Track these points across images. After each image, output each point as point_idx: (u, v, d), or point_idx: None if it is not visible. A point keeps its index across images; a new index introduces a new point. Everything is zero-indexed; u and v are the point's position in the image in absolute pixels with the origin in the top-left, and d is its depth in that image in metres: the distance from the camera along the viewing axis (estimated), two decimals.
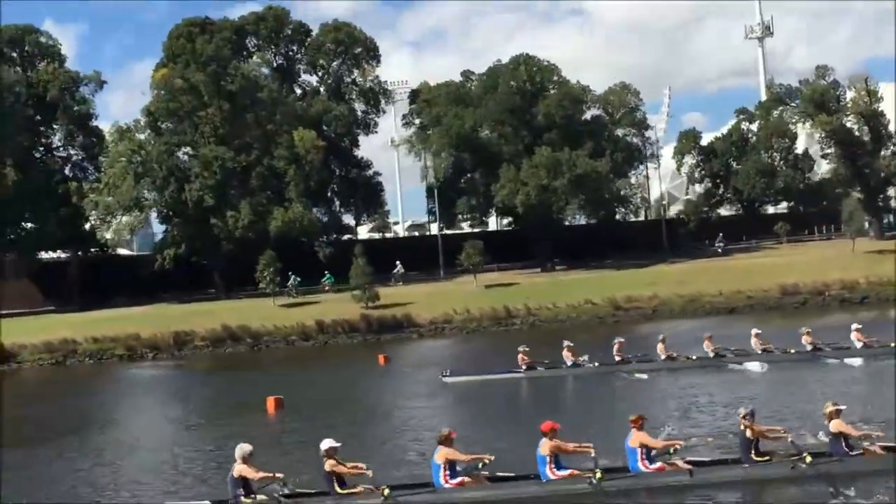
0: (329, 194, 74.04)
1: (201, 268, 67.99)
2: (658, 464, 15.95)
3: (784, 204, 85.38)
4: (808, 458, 15.56)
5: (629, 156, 72.74)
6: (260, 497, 15.38)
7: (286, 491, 15.49)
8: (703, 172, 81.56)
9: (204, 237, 65.52)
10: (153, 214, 71.07)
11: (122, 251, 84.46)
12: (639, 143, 74.25)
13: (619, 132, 72.89)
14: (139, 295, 66.14)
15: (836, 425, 16.03)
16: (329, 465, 15.54)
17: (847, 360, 30.53)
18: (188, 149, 67.67)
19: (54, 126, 76.71)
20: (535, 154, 65.84)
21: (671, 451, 16.17)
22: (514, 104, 68.45)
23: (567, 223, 73.77)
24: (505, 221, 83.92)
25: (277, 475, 15.51)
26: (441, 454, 15.75)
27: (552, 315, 56.06)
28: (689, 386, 28.16)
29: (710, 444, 17.91)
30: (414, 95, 78.80)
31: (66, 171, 76.34)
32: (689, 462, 16.06)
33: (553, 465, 15.77)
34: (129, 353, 54.73)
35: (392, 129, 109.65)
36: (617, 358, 32.48)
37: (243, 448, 15.58)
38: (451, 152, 68.87)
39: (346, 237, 73.85)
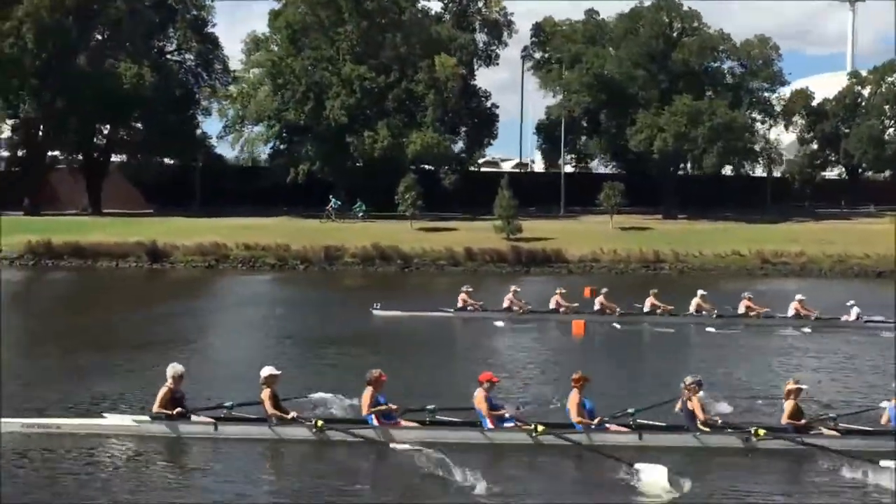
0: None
1: (327, 185, 68.15)
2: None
3: (888, 172, 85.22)
4: (761, 432, 15.26)
5: (763, 109, 72.61)
6: (197, 418, 15.67)
7: (223, 414, 15.82)
8: (811, 134, 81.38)
9: (339, 155, 65.62)
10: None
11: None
12: (770, 97, 73.98)
13: (753, 85, 72.57)
14: (258, 206, 66.51)
15: (790, 406, 15.67)
16: (264, 393, 15.48)
17: None
18: (327, 65, 67.17)
19: (171, 30, 76.47)
20: (674, 101, 65.79)
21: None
22: (653, 48, 68.18)
23: (681, 172, 73.83)
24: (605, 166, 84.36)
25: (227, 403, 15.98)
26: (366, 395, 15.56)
27: (699, 263, 56.46)
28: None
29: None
30: (537, 30, 78.33)
31: (181, 77, 76.30)
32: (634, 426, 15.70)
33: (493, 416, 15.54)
34: (279, 262, 55.25)
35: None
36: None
37: (175, 368, 15.67)
38: (585, 92, 68.61)
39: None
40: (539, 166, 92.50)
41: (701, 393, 15.93)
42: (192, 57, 77.48)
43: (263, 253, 55.46)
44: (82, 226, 60.73)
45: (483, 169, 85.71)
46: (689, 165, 70.12)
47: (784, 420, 15.57)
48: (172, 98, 71.54)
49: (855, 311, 31.72)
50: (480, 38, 77.37)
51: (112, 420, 15.71)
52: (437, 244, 57.50)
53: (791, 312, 32.15)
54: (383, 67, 67.21)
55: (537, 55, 78.52)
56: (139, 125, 74.02)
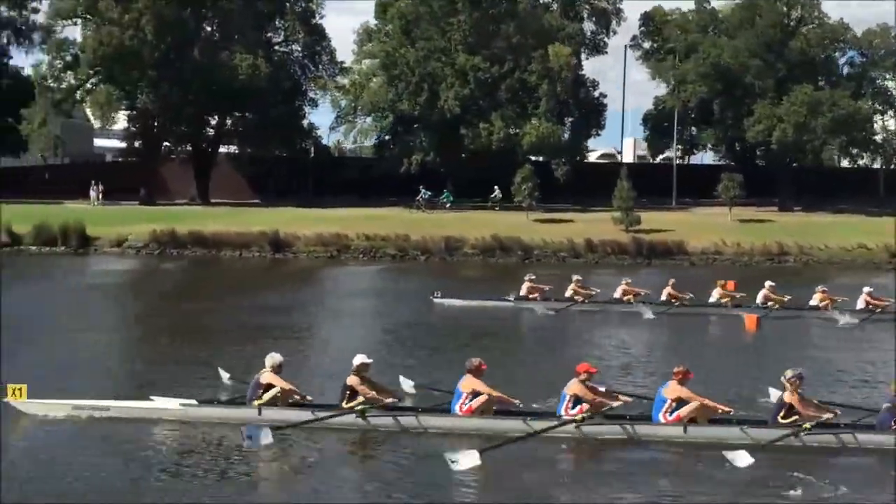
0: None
1: (437, 176, 68.20)
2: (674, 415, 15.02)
3: None
4: (807, 426, 14.54)
5: (885, 100, 70.96)
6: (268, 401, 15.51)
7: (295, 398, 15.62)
8: None
9: (451, 146, 65.60)
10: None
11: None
12: (892, 88, 72.28)
13: (873, 74, 70.95)
14: (368, 197, 66.78)
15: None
16: (353, 380, 15.35)
17: None
18: (440, 55, 67.08)
19: (277, 22, 77.01)
20: (793, 91, 64.53)
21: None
22: (771, 37, 66.91)
23: (795, 164, 72.32)
24: (714, 157, 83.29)
25: (308, 397, 15.71)
26: (467, 384, 15.33)
27: (825, 256, 55.33)
28: None
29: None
30: (646, 19, 77.43)
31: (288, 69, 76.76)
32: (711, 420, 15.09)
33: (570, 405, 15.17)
34: (400, 253, 55.35)
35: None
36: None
37: (274, 357, 15.66)
38: (700, 82, 67.55)
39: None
40: (628, 156, 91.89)
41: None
42: (298, 48, 78.04)
43: (384, 243, 55.55)
44: (199, 215, 61.42)
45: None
46: (807, 157, 68.48)
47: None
48: (281, 89, 72.14)
49: None
50: (587, 26, 76.87)
51: (158, 403, 15.81)
52: (555, 235, 57.16)
53: (860, 305, 31.18)
54: (496, 58, 66.93)
55: (646, 45, 77.67)
56: (248, 115, 74.82)
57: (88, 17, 68.88)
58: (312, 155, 73.59)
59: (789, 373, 15.05)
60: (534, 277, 33.72)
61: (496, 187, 66.63)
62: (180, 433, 15.13)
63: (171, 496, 12.42)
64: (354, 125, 70.31)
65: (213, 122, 76.35)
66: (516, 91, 66.44)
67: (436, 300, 32.94)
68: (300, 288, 41.78)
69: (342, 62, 77.13)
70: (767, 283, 32.48)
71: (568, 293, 32.72)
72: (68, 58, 68.43)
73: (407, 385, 17.77)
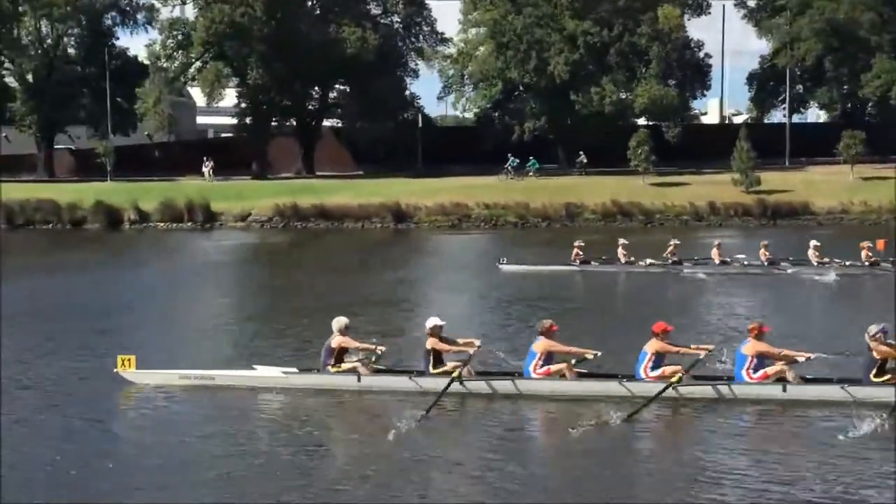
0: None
1: (547, 143, 68.06)
2: (760, 373, 14.71)
3: None
4: None
5: None
6: (346, 366, 15.69)
7: (375, 365, 15.77)
8: None
9: (562, 112, 65.39)
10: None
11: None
12: None
13: None
14: (478, 165, 66.73)
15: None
16: (430, 342, 15.40)
17: None
18: (548, 21, 66.70)
19: None
20: None
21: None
22: None
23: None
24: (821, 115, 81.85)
25: (380, 347, 15.77)
26: (540, 345, 15.26)
27: None
28: None
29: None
30: None
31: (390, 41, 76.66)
32: (802, 377, 14.70)
33: (650, 365, 15.00)
34: (521, 220, 55.49)
35: None
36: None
37: (340, 321, 15.74)
38: (814, 39, 66.19)
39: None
40: (713, 117, 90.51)
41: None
42: (398, 19, 78.15)
43: (503, 212, 55.81)
44: (316, 188, 62.10)
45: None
46: None
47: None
48: (385, 61, 72.34)
49: None
50: None
51: (261, 372, 16.06)
52: (675, 199, 56.82)
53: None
54: (603, 22, 66.40)
55: (751, 3, 76.46)
56: (353, 88, 75.27)
57: None
58: (420, 126, 73.49)
59: (873, 328, 14.54)
60: (582, 244, 33.60)
61: (581, 153, 66.41)
62: (282, 400, 15.36)
63: (267, 464, 12.32)
64: (462, 94, 70.19)
65: (317, 96, 76.95)
66: (626, 55, 65.87)
67: (502, 266, 33.19)
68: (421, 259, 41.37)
69: (442, 33, 77.16)
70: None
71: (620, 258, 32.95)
72: (180, 37, 69.31)
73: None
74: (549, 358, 15.31)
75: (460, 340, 15.93)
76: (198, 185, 63.80)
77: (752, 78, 77.77)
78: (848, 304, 26.50)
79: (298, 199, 57.58)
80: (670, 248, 33.16)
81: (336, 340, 15.78)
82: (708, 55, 74.90)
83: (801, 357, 14.87)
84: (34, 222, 56.73)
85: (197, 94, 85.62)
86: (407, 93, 77.21)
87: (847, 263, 31.14)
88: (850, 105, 69.27)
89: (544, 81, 65.43)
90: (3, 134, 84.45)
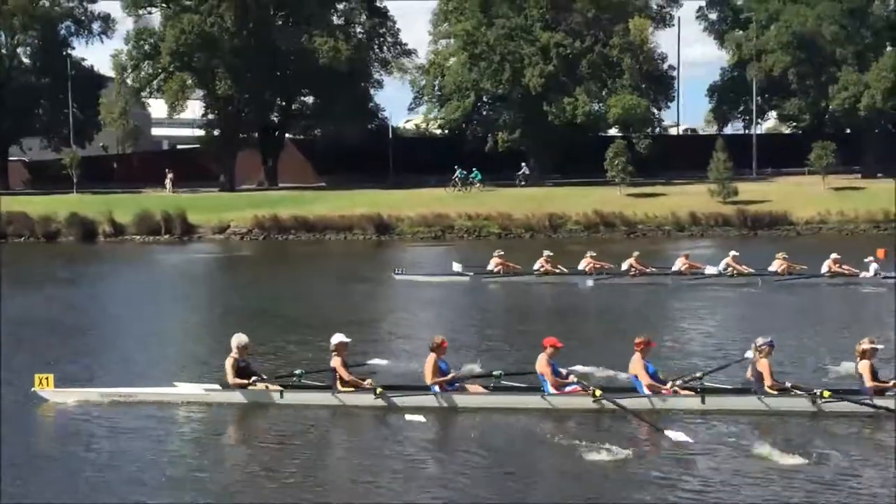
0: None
1: (516, 154, 68.19)
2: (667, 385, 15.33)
3: None
4: (826, 394, 14.72)
5: None
6: (261, 386, 15.86)
7: (293, 381, 16.18)
8: None
9: (535, 123, 65.57)
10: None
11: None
12: None
13: None
14: (446, 176, 66.64)
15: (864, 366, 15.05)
16: (335, 361, 15.63)
17: None
18: (519, 33, 66.88)
19: (337, 6, 76.44)
20: (882, 56, 64.55)
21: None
22: (855, 3, 66.68)
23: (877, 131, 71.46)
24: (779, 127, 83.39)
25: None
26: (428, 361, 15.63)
27: None
28: None
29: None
30: None
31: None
32: (699, 389, 15.32)
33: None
34: (503, 231, 55.45)
35: None
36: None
37: (240, 339, 15.94)
38: (781, 51, 67.26)
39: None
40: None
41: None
42: (361, 30, 77.74)
43: (487, 223, 55.72)
44: (291, 200, 61.51)
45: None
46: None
47: (868, 383, 14.95)
48: (351, 71, 71.87)
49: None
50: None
51: (182, 389, 16.08)
52: (653, 209, 57.25)
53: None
54: (573, 33, 66.82)
55: (712, 16, 77.63)
56: (318, 99, 74.72)
57: (165, 5, 68.64)
58: (391, 136, 73.24)
59: (760, 340, 15.23)
60: (502, 253, 34.26)
61: (523, 164, 66.95)
62: (202, 417, 15.37)
63: (179, 480, 12.47)
64: (434, 105, 69.97)
65: (281, 107, 76.19)
66: (598, 66, 66.28)
67: (396, 276, 33.72)
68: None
69: (406, 44, 77.05)
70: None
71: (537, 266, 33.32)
72: (146, 47, 68.08)
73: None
74: (439, 373, 15.45)
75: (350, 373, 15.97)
76: (172, 198, 62.93)
77: (712, 89, 78.90)
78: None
79: (277, 210, 56.85)
80: (587, 261, 33.38)
81: (231, 356, 15.93)
82: (672, 67, 75.96)
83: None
84: (6, 235, 55.14)
85: (154, 106, 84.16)
86: (371, 104, 76.94)
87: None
88: (813, 116, 70.44)
89: (517, 92, 65.58)
90: None
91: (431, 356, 15.54)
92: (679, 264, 33.07)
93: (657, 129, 72.18)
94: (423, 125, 77.19)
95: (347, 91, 70.44)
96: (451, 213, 56.08)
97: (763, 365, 14.97)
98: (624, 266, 33.05)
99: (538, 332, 20.16)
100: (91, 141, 79.69)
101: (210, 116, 71.63)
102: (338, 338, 15.69)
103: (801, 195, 59.61)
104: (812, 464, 12.55)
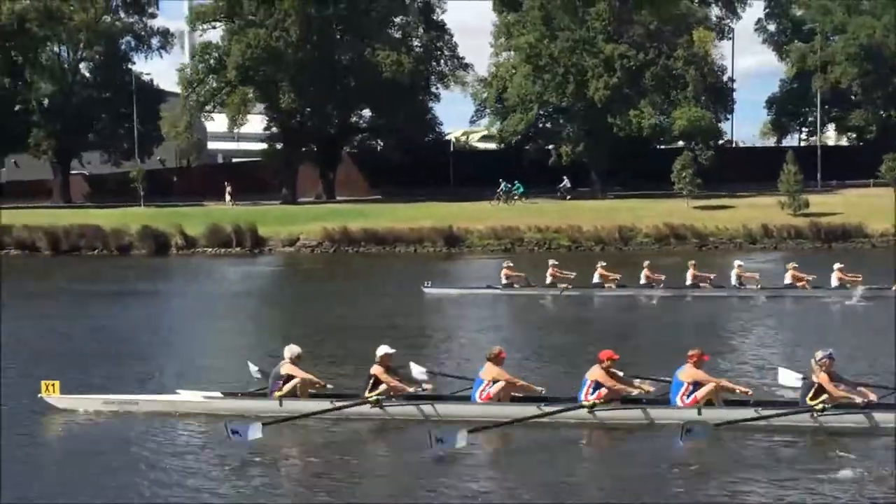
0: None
1: (579, 166, 68.23)
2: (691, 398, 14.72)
3: None
4: (820, 406, 14.20)
5: None
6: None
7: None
8: None
9: (599, 135, 65.54)
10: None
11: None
12: None
13: None
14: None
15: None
16: (376, 369, 15.39)
17: None
18: (582, 45, 66.88)
19: (393, 19, 76.74)
20: None
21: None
22: None
23: None
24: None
25: (325, 384, 15.75)
26: (487, 372, 15.27)
27: None
28: None
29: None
30: (773, 1, 77.08)
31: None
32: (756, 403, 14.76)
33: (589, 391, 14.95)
34: (573, 244, 55.32)
35: None
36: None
37: (292, 349, 15.75)
38: (849, 63, 66.94)
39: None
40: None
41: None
42: (419, 44, 78.08)
43: (556, 235, 55.57)
44: (357, 212, 61.68)
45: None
46: None
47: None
48: (411, 84, 72.17)
49: None
50: (713, 11, 76.50)
51: (184, 396, 16.16)
52: (724, 222, 56.89)
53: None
54: (636, 45, 66.76)
55: (771, 27, 77.45)
56: (377, 112, 75.14)
57: (228, 19, 69.25)
58: (453, 150, 73.45)
59: (819, 354, 14.62)
60: (511, 265, 34.34)
61: (564, 177, 67.07)
62: (201, 425, 15.35)
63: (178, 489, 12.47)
64: (496, 118, 70.14)
65: (337, 120, 76.53)
66: (661, 78, 66.13)
67: (426, 290, 33.31)
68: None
69: (463, 57, 77.39)
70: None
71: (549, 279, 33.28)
72: (212, 62, 68.66)
73: (417, 371, 17.37)
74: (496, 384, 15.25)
75: (409, 378, 16.07)
76: (241, 211, 63.14)
77: (771, 101, 78.62)
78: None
79: (346, 223, 57.08)
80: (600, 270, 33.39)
81: (285, 367, 15.74)
82: (731, 79, 75.78)
83: (737, 389, 14.97)
84: (79, 248, 55.68)
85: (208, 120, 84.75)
86: (428, 116, 77.23)
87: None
88: (880, 128, 69.94)
89: (579, 105, 65.59)
90: (13, 160, 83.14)
91: (488, 365, 15.35)
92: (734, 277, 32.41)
93: (727, 141, 72.09)
94: (464, 138, 77.24)
95: (407, 104, 70.82)
96: (520, 226, 55.90)
97: (823, 378, 14.40)
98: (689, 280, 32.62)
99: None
100: (151, 155, 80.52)
101: (273, 130, 71.94)
102: (383, 349, 15.61)
103: (871, 207, 58.91)
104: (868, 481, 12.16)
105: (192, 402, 15.97)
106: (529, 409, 14.80)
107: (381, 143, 74.95)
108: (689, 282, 32.53)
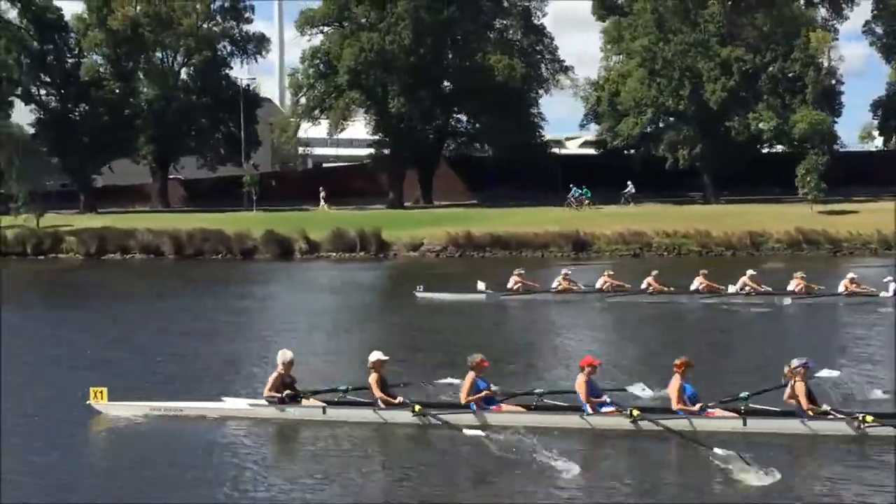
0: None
1: (689, 171, 67.46)
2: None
3: None
4: (869, 419, 14.39)
5: None
6: (308, 401, 16.17)
7: (337, 398, 16.27)
8: None
9: (715, 139, 64.67)
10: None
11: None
12: None
13: None
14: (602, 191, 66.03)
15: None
16: (371, 378, 15.80)
17: None
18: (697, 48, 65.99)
19: (494, 23, 76.17)
20: None
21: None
22: None
23: None
24: None
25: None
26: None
27: None
28: None
29: None
30: (878, 2, 75.64)
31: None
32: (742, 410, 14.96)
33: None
34: (703, 249, 54.44)
35: None
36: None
37: (284, 355, 16.20)
38: None
39: None
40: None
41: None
42: (519, 48, 77.37)
43: (685, 240, 54.72)
44: (471, 217, 61.27)
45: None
46: None
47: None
48: (516, 88, 71.58)
49: None
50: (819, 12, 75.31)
51: (229, 403, 16.55)
52: (852, 227, 55.76)
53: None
54: (750, 48, 65.79)
55: (878, 29, 76.10)
56: (466, 117, 74.88)
57: (338, 24, 69.12)
58: (560, 153, 72.90)
59: (795, 362, 14.96)
60: (522, 272, 34.52)
61: (629, 182, 66.43)
62: (245, 431, 15.75)
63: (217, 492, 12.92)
64: (607, 122, 69.38)
65: (438, 124, 76.13)
66: (777, 80, 65.11)
67: (419, 294, 33.57)
68: None
69: (563, 61, 76.85)
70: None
71: (555, 285, 33.79)
72: (321, 66, 68.56)
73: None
74: (476, 391, 15.50)
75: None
76: (365, 215, 62.78)
77: (877, 104, 77.26)
78: None
79: (469, 227, 56.60)
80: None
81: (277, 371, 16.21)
82: (840, 81, 74.40)
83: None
84: (203, 252, 55.67)
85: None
86: (536, 120, 76.68)
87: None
88: None
89: (697, 108, 64.74)
90: (107, 164, 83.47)
91: (470, 374, 15.60)
92: (793, 285, 32.27)
93: (842, 145, 71.04)
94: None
95: (513, 108, 70.27)
96: (647, 231, 55.15)
97: (799, 388, 14.70)
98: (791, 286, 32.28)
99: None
100: (249, 159, 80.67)
101: (379, 135, 71.67)
102: (375, 355, 15.96)
103: None
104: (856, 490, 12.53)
105: (237, 409, 16.37)
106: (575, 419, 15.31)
107: (487, 148, 74.27)
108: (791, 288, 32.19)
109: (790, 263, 43.72)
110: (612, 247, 54.84)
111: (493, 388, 15.86)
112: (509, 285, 33.98)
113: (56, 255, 57.14)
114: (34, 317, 33.04)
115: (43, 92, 74.56)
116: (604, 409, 15.34)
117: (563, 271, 34.45)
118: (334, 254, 55.67)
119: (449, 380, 17.92)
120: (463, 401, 15.61)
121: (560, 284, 33.69)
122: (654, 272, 33.80)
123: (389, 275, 49.17)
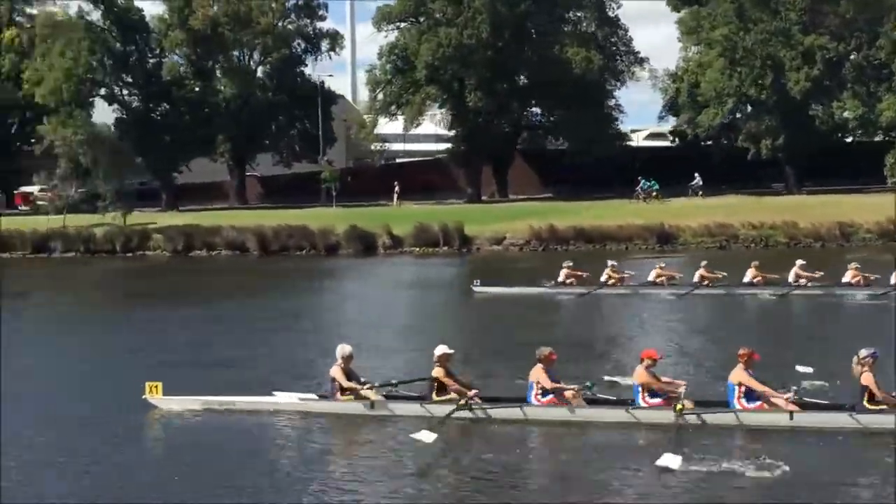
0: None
1: (771, 162, 66.57)
2: (757, 403, 14.65)
3: None
4: None
5: None
6: (363, 395, 16.00)
7: (390, 391, 16.25)
8: None
9: (799, 129, 63.73)
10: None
11: None
12: None
13: None
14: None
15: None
16: (437, 371, 15.57)
17: None
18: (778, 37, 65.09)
19: (568, 16, 75.74)
20: None
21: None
22: None
23: None
24: None
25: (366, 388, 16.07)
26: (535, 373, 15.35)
27: None
28: None
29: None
30: None
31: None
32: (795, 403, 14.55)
33: (646, 394, 15.02)
34: (791, 241, 53.66)
35: None
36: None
37: (343, 349, 16.17)
38: None
39: None
40: None
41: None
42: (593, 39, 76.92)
43: (772, 232, 53.97)
44: (552, 210, 60.93)
45: None
46: None
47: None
48: (593, 81, 71.14)
49: None
50: None
51: (280, 398, 16.65)
52: None
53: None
54: (833, 35, 64.74)
55: None
56: (540, 110, 74.63)
57: (414, 19, 69.33)
58: (638, 145, 72.45)
59: (863, 352, 14.45)
60: (571, 264, 34.16)
61: (696, 174, 65.37)
62: (297, 425, 15.97)
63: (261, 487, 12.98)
64: (687, 112, 68.64)
65: (513, 118, 75.94)
66: (862, 68, 63.99)
67: (476, 289, 33.46)
68: None
69: (638, 52, 76.27)
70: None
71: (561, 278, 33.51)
72: (399, 62, 68.83)
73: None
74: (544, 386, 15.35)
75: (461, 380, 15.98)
76: (445, 210, 63.00)
77: None
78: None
79: (551, 220, 56.42)
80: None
81: (334, 369, 16.22)
82: None
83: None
84: (287, 248, 56.20)
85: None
86: (613, 113, 76.25)
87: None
88: None
89: (775, 97, 63.85)
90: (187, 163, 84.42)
91: (538, 367, 15.43)
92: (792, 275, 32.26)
93: None
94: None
95: (590, 101, 69.89)
96: (734, 223, 54.49)
97: (867, 378, 14.27)
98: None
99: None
100: (324, 156, 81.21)
101: (457, 130, 71.73)
102: (441, 349, 15.75)
103: None
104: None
105: (288, 403, 16.51)
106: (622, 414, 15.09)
107: (563, 141, 73.98)
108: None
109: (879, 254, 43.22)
110: (698, 239, 54.25)
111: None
112: (560, 278, 33.75)
113: (144, 252, 58.06)
114: (158, 316, 32.91)
115: (125, 92, 75.68)
116: (653, 402, 15.14)
117: (611, 263, 34.01)
118: (417, 249, 55.83)
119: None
120: (549, 388, 15.44)
121: (610, 277, 33.23)
122: (704, 263, 33.54)
123: (471, 270, 49.08)
